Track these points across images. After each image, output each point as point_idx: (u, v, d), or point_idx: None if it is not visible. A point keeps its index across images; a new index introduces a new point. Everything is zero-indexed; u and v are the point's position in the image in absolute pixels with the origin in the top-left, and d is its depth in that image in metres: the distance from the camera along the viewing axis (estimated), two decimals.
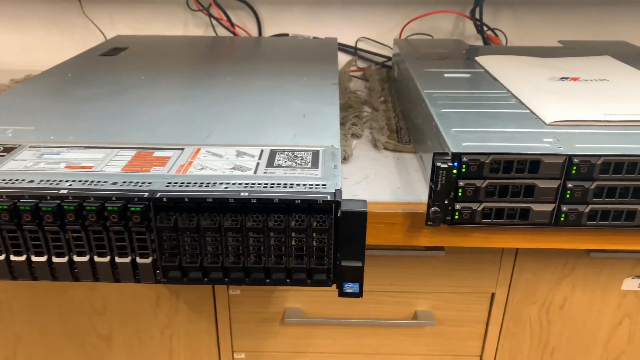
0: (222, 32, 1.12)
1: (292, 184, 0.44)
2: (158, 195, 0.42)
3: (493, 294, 0.76)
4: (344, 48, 1.14)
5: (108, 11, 1.11)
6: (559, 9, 1.11)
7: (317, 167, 0.47)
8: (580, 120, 0.58)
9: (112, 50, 0.91)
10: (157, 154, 0.50)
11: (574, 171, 0.51)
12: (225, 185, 0.43)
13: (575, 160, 0.51)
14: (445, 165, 0.50)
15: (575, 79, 0.73)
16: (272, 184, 0.44)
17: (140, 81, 0.73)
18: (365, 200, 0.42)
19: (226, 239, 0.43)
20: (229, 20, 1.10)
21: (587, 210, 0.53)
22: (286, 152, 0.50)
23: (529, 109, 0.63)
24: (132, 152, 0.50)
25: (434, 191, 0.51)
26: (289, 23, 1.14)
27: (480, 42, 1.11)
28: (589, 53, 0.89)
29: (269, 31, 1.14)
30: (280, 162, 0.48)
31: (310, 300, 0.78)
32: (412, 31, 1.12)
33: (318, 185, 0.44)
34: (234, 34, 1.11)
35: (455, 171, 0.52)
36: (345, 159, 0.70)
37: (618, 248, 0.60)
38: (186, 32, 1.13)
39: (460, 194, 0.53)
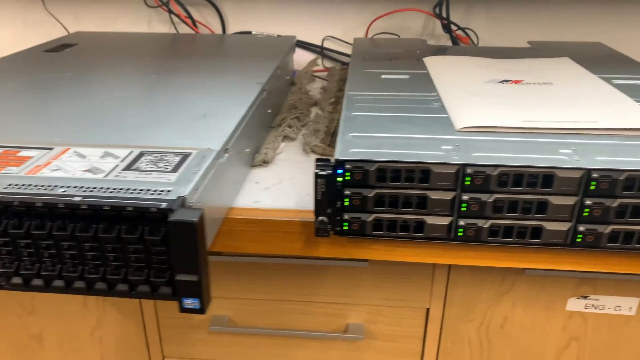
0: (185, 29, 1.10)
1: (138, 190, 0.41)
2: None
3: (428, 309, 0.72)
4: (309, 47, 1.11)
5: (73, 7, 1.11)
6: (534, 9, 1.04)
7: (175, 172, 0.44)
8: (494, 126, 0.53)
9: (59, 46, 0.90)
10: (23, 153, 0.47)
11: (468, 182, 0.47)
12: (64, 189, 0.41)
13: (469, 171, 0.46)
14: (324, 173, 0.46)
15: (517, 82, 0.68)
16: (114, 189, 0.41)
17: (62, 78, 0.71)
18: (200, 210, 0.39)
19: (61, 247, 0.40)
20: (190, 17, 1.07)
21: (486, 225, 0.49)
22: (155, 154, 0.47)
23: (448, 113, 0.58)
24: None
25: (316, 200, 0.48)
26: (254, 21, 1.11)
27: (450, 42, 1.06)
28: (555, 54, 0.84)
29: (233, 29, 1.11)
30: (142, 165, 0.45)
31: (240, 308, 0.75)
32: (380, 30, 1.08)
33: (163, 191, 0.41)
34: (196, 31, 1.09)
35: (340, 179, 0.48)
36: (265, 162, 0.67)
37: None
38: (150, 29, 1.12)
39: (347, 204, 0.49)
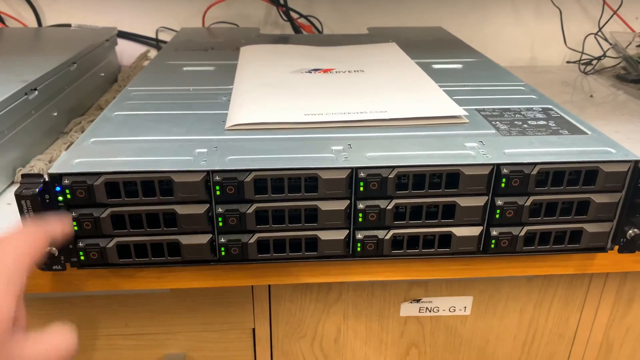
0: None
1: None
2: None
3: (254, 330, 0.64)
4: (142, 39, 0.99)
5: None
6: None
7: None
8: (269, 122, 0.46)
9: None
10: None
11: (218, 192, 0.39)
12: None
13: (217, 178, 0.38)
14: (29, 193, 0.36)
15: (326, 71, 0.61)
16: None
17: None
18: None
19: None
20: None
21: (252, 241, 0.41)
22: None
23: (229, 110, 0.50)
24: None
25: None
26: (75, 12, 0.97)
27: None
28: (395, 38, 0.78)
29: (51, 21, 0.97)
30: None
31: None
32: (218, 19, 0.98)
33: None
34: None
35: (61, 198, 0.38)
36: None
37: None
38: None
39: (76, 229, 0.39)
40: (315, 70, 0.61)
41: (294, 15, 0.96)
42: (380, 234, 0.41)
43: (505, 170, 0.39)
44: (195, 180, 0.38)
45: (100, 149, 0.41)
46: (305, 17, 0.97)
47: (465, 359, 0.67)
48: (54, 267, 0.40)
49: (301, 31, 0.96)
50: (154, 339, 0.64)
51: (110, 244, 0.40)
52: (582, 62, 0.99)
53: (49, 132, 0.64)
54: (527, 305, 0.63)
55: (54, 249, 0.39)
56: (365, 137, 0.44)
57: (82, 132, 0.66)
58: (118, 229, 0.39)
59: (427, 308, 0.64)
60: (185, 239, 0.40)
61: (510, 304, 0.63)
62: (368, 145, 0.42)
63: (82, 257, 0.40)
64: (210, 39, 0.82)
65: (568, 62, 1.03)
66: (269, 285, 0.61)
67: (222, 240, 0.40)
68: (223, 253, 0.41)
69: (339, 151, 0.41)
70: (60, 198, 0.38)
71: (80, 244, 0.40)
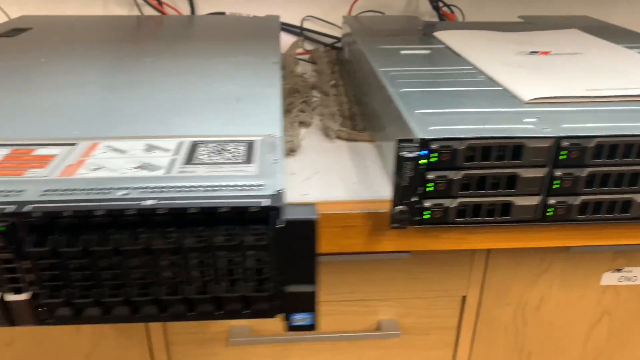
0: (149, 11, 0.99)
1: (218, 186, 0.33)
2: (28, 208, 0.30)
3: (464, 297, 0.68)
4: (288, 28, 1.03)
5: None
6: None
7: (251, 162, 0.36)
8: (561, 97, 0.50)
9: (11, 31, 0.77)
10: (39, 151, 0.37)
11: (564, 156, 0.43)
12: (125, 191, 0.32)
13: (565, 144, 0.42)
14: (412, 155, 0.40)
15: (545, 53, 0.65)
16: (189, 187, 0.33)
17: (37, 65, 0.60)
18: (313, 205, 0.32)
19: (128, 264, 0.32)
20: None
21: (577, 202, 0.45)
22: (212, 145, 0.39)
23: (502, 86, 0.54)
24: (6, 151, 0.37)
25: (400, 187, 0.42)
26: (225, 1, 1.01)
27: (436, 19, 1.02)
28: (553, 27, 0.82)
29: (203, 10, 1.01)
30: (204, 157, 0.37)
31: None
32: (362, 9, 1.02)
33: (253, 185, 0.33)
34: (162, 13, 0.98)
35: (424, 161, 0.42)
36: (292, 151, 0.60)
37: (605, 244, 0.53)
38: (106, 12, 0.99)
39: (430, 189, 0.43)
40: (534, 52, 0.65)
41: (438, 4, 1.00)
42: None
43: None
44: (545, 145, 0.42)
45: (435, 119, 0.45)
46: (448, 6, 1.01)
47: None
48: (394, 226, 0.44)
49: (445, 20, 1.00)
50: (371, 305, 0.68)
51: (454, 204, 0.44)
52: None
53: None
54: None
55: (405, 207, 0.44)
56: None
57: (303, 111, 0.70)
58: (463, 191, 0.44)
59: (625, 277, 0.67)
60: (518, 200, 0.44)
61: None
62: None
63: (426, 216, 0.44)
64: (384, 26, 0.85)
65: None
66: (487, 254, 0.65)
67: (551, 202, 0.45)
68: (549, 214, 0.45)
69: None
70: (423, 161, 0.42)
71: (427, 204, 0.44)
